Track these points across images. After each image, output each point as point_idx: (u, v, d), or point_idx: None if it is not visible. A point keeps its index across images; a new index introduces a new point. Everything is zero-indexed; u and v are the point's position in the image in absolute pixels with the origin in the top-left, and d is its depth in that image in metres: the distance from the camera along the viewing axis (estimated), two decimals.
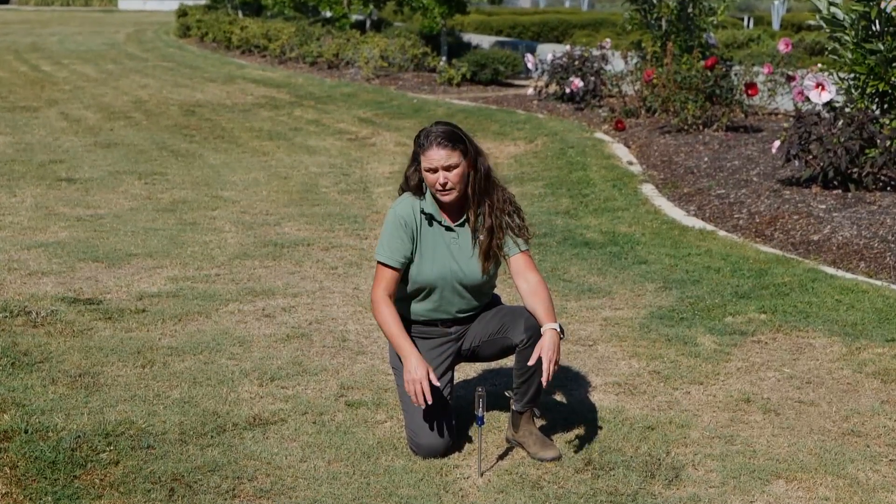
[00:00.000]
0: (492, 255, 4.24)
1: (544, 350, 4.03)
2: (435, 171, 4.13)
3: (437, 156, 4.12)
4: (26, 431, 4.30)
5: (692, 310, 6.12)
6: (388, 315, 4.18)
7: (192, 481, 3.94)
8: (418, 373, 4.05)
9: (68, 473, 3.97)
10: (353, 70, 19.08)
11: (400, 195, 4.35)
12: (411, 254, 4.22)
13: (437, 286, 4.24)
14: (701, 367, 5.26)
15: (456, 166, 4.14)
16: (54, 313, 5.84)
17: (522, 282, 4.23)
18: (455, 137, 4.16)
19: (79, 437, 4.26)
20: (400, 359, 4.25)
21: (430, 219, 4.24)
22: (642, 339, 5.66)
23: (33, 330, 5.59)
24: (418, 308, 4.30)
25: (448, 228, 4.25)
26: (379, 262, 4.23)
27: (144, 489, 3.87)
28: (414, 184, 4.26)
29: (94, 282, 6.51)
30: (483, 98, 15.89)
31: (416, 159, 4.23)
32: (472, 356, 4.40)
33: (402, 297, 4.30)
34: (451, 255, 4.23)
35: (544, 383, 4.05)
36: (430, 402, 4.04)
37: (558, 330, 4.08)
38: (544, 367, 4.01)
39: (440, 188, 4.15)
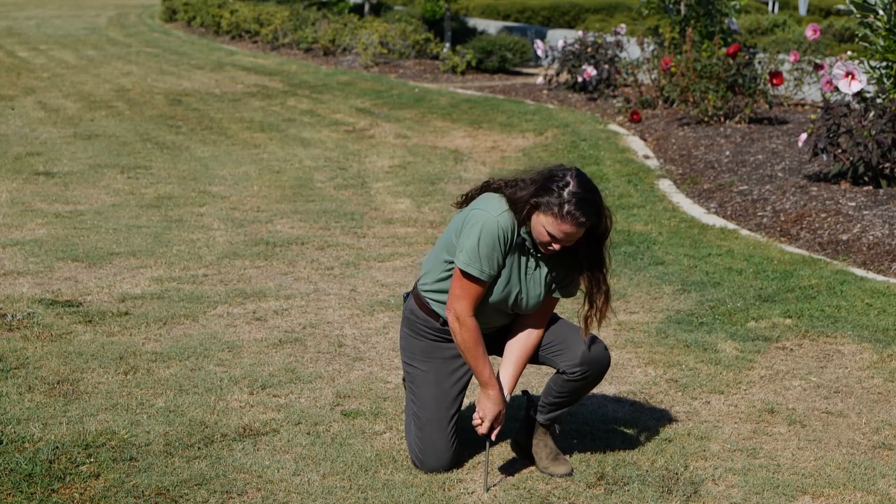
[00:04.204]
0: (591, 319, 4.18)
1: (493, 420, 4.15)
2: (557, 239, 3.95)
3: (571, 231, 3.92)
4: (1, 442, 4.31)
5: (712, 314, 6.12)
6: (477, 337, 4.09)
7: (177, 496, 3.95)
8: (499, 408, 4.14)
9: (46, 487, 3.97)
10: (350, 57, 19.10)
11: (483, 190, 4.14)
12: (502, 269, 4.07)
13: (495, 304, 4.14)
14: (722, 375, 5.27)
15: (575, 240, 3.98)
16: (31, 316, 5.85)
17: (532, 321, 4.21)
18: (596, 212, 3.94)
19: (57, 448, 4.27)
20: (416, 352, 4.26)
21: (522, 243, 4.07)
22: (659, 345, 5.66)
23: (8, 334, 5.60)
24: None
25: (533, 256, 4.10)
26: (468, 276, 4.04)
27: None
28: (521, 218, 4.00)
29: (74, 282, 6.52)
30: (489, 87, 15.90)
31: (539, 204, 3.93)
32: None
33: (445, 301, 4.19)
34: (524, 283, 4.11)
35: (481, 433, 4.18)
36: (490, 437, 4.17)
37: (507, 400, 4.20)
38: (494, 434, 4.17)
39: (549, 251, 4.00)
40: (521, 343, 4.22)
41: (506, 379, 4.21)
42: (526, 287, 4.12)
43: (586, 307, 4.15)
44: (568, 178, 3.94)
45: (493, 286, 4.09)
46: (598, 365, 4.17)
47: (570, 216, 3.89)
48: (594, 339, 4.20)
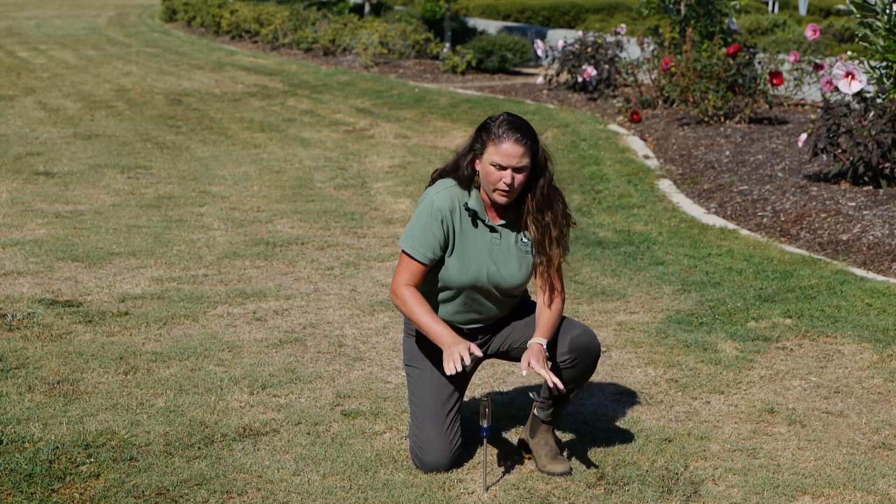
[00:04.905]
0: (559, 266, 4.19)
1: (534, 362, 4.00)
2: (503, 168, 4.01)
3: (514, 152, 3.99)
4: (1, 442, 4.31)
5: (712, 314, 6.12)
6: (414, 301, 4.10)
7: (177, 496, 3.95)
8: (460, 345, 3.99)
9: (46, 487, 3.97)
10: (350, 57, 19.10)
11: (434, 179, 4.22)
12: (443, 251, 4.12)
13: (468, 287, 4.17)
14: (722, 375, 5.27)
15: (526, 169, 4.03)
16: (31, 316, 5.85)
17: (543, 291, 4.21)
18: (532, 135, 4.05)
19: (57, 448, 4.27)
20: (413, 351, 4.28)
21: (474, 216, 4.14)
22: (659, 345, 5.66)
23: (9, 334, 5.60)
24: (441, 309, 4.25)
25: (492, 229, 4.16)
26: (404, 253, 4.13)
27: None
28: (466, 174, 4.11)
29: (74, 282, 6.52)
30: (489, 87, 15.90)
31: (476, 147, 4.08)
32: (502, 356, 4.39)
33: (426, 294, 4.21)
34: (491, 258, 4.15)
35: (551, 387, 4.03)
36: (466, 364, 3.97)
37: (544, 346, 4.09)
38: (548, 378, 3.99)
39: (504, 188, 4.02)
40: (543, 308, 4.19)
41: (540, 331, 4.13)
42: (495, 262, 4.16)
43: (538, 257, 4.18)
44: (497, 115, 4.13)
45: (458, 269, 4.13)
46: (586, 351, 4.17)
47: (506, 134, 4.01)
48: (583, 329, 4.22)
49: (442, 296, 4.23)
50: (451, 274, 4.16)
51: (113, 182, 9.44)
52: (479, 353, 4.02)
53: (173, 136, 11.95)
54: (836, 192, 8.47)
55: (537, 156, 4.08)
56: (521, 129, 4.03)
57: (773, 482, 4.16)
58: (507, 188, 4.02)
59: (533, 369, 4.00)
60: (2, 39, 23.04)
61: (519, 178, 4.03)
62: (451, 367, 3.96)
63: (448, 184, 4.15)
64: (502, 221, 4.17)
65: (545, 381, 4.18)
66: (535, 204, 4.11)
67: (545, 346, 4.09)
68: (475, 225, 4.15)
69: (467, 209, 4.13)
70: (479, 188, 4.14)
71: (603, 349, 5.61)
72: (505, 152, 3.99)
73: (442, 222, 4.10)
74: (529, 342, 4.11)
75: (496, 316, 4.31)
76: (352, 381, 5.12)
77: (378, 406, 4.82)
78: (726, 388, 5.10)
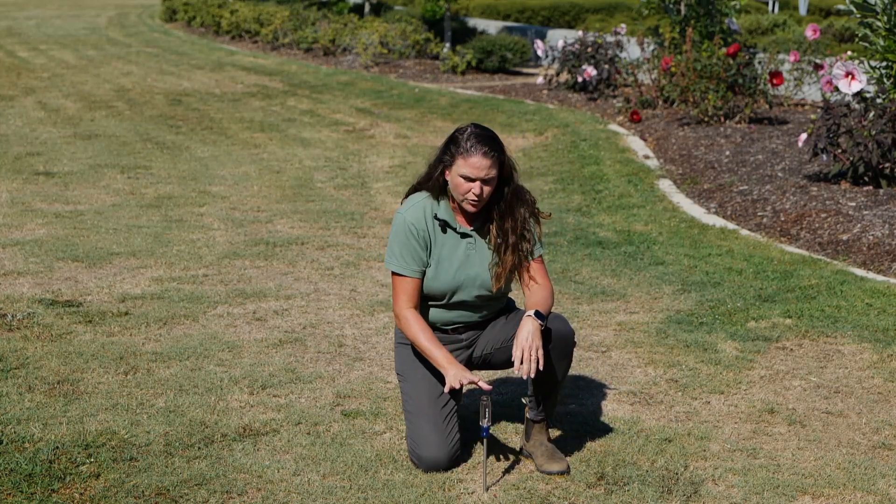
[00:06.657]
0: (513, 270, 4.27)
1: (518, 343, 4.04)
2: (472, 180, 4.12)
3: (481, 165, 4.10)
4: (1, 442, 4.31)
5: (712, 314, 6.12)
6: (417, 327, 4.22)
7: (177, 496, 3.95)
8: (461, 373, 4.11)
9: (46, 487, 3.98)
10: (350, 57, 19.10)
11: (408, 194, 4.35)
12: (426, 261, 4.24)
13: (451, 293, 4.28)
14: (722, 375, 5.27)
15: (493, 180, 4.15)
16: (31, 316, 5.85)
17: (528, 288, 4.30)
18: (499, 147, 4.16)
19: (57, 448, 4.27)
20: (406, 357, 4.34)
21: (445, 225, 4.25)
22: (659, 345, 5.66)
23: (9, 334, 5.60)
24: (429, 312, 4.35)
25: (464, 234, 4.27)
26: (394, 273, 4.25)
27: None
28: (439, 184, 4.23)
29: (74, 282, 6.52)
30: (489, 87, 15.90)
31: (445, 159, 4.19)
32: (484, 364, 4.44)
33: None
34: (468, 262, 4.26)
35: (524, 376, 4.05)
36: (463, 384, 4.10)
37: (533, 315, 4.09)
38: (525, 358, 4.01)
39: (473, 198, 4.14)
40: (531, 292, 4.27)
41: (529, 304, 4.20)
42: (472, 266, 4.25)
43: (494, 259, 4.27)
44: (465, 127, 4.22)
45: (437, 275, 4.22)
46: (560, 337, 4.20)
47: (474, 148, 4.11)
48: (556, 315, 4.25)
49: (426, 300, 4.33)
50: (432, 282, 4.27)
51: (113, 182, 9.44)
52: (486, 387, 4.09)
53: (173, 136, 11.95)
54: (836, 192, 8.47)
55: (504, 166, 4.19)
56: (489, 143, 4.14)
57: (773, 482, 4.16)
58: (475, 199, 4.15)
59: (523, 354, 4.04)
60: (2, 39, 23.04)
61: (487, 188, 4.16)
62: (454, 383, 4.10)
63: (418, 198, 4.28)
64: (475, 227, 4.28)
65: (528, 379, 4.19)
66: (498, 212, 4.25)
67: (536, 316, 4.09)
68: (444, 232, 4.25)
69: (437, 219, 4.25)
70: (449, 196, 4.26)
71: (603, 349, 5.62)
72: (473, 165, 4.11)
73: (417, 235, 4.22)
74: (522, 318, 4.14)
75: (480, 318, 4.38)
76: (352, 381, 5.12)
77: (378, 406, 4.82)
78: (726, 388, 5.11)
